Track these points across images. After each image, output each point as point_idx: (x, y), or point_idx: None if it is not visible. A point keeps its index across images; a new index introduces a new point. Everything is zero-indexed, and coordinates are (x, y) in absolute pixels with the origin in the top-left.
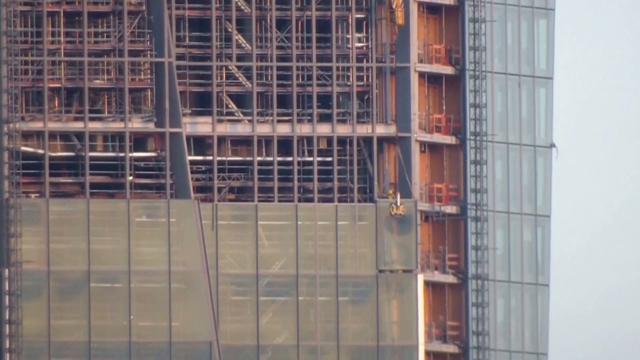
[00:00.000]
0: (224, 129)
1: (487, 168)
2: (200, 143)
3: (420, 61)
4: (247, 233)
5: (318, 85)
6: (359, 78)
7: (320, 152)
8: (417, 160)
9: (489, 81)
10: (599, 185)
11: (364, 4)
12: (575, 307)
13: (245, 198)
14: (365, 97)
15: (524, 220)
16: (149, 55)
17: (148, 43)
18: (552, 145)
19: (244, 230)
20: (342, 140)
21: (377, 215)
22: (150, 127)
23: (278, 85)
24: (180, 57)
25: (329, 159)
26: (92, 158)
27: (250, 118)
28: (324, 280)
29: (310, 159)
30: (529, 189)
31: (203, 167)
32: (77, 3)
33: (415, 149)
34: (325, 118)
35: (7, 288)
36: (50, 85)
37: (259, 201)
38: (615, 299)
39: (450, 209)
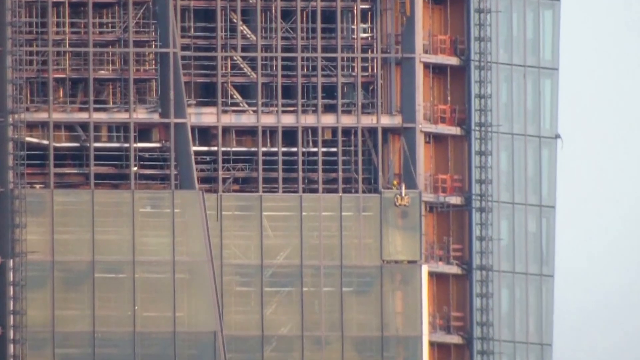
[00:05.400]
0: (229, 119)
1: (491, 159)
2: (204, 133)
3: (425, 52)
4: (252, 223)
5: (323, 75)
6: (364, 69)
7: (325, 143)
8: (422, 151)
9: (494, 72)
10: (604, 176)
11: None
12: (580, 298)
13: (249, 189)
14: (370, 88)
15: (528, 211)
16: (154, 46)
17: (153, 34)
18: (557, 136)
19: (249, 221)
20: (347, 131)
21: (382, 205)
22: (155, 117)
23: (283, 76)
24: (185, 47)
25: (334, 149)
26: (96, 149)
27: (255, 109)
28: (328, 270)
29: (315, 149)
30: (534, 180)
31: (208, 158)
32: None
33: (420, 139)
34: (330, 109)
35: (11, 279)
36: (55, 75)
37: (264, 192)
38: (620, 290)
39: (455, 199)
